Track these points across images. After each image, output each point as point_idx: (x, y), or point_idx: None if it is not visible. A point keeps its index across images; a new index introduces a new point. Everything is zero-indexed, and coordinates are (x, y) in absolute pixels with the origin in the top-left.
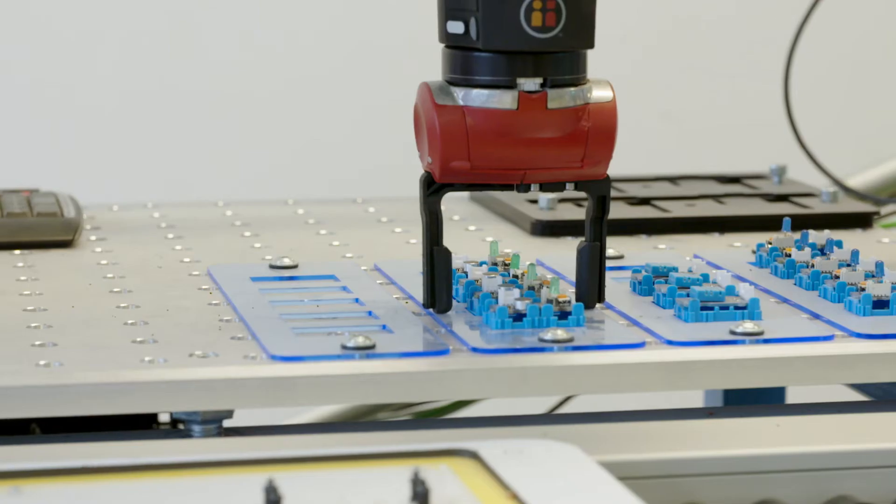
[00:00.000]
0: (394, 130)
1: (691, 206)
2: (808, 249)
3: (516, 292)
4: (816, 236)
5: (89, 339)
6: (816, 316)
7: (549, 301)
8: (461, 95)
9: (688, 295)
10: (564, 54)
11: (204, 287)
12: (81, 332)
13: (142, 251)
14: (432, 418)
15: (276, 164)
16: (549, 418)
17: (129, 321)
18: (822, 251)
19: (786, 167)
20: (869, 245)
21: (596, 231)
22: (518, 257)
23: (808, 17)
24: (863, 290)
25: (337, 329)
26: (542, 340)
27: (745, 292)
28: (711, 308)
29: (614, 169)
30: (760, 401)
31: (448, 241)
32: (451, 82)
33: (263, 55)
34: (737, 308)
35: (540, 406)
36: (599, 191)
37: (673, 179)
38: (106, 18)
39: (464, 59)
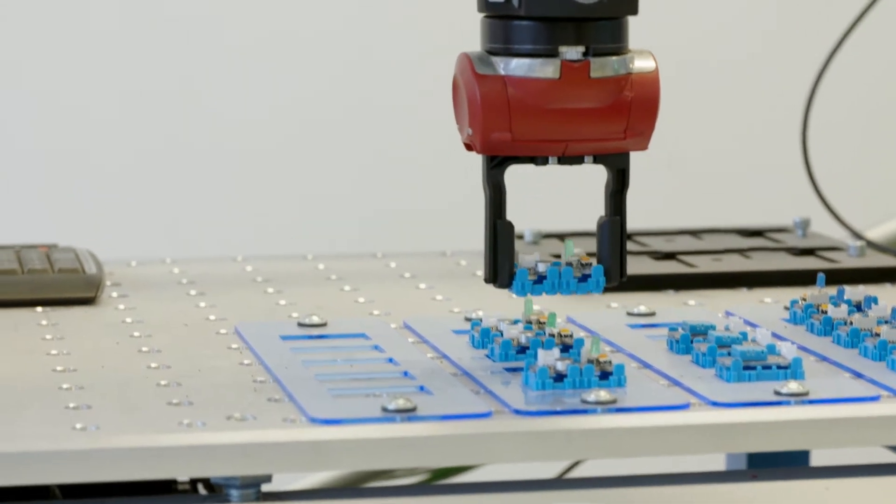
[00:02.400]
0: (399, 183)
1: (718, 261)
2: (844, 306)
3: (556, 352)
4: (852, 292)
5: (123, 401)
6: (859, 375)
7: (590, 361)
8: (502, 65)
9: (729, 354)
10: (607, 22)
11: (234, 346)
12: (114, 393)
13: (166, 308)
14: (462, 483)
15: (284, 218)
16: (584, 482)
17: (162, 382)
18: (858, 307)
19: (809, 220)
20: None
21: (616, 205)
22: (554, 316)
23: (827, 65)
24: None
25: (374, 390)
26: (584, 402)
27: (787, 351)
28: (754, 368)
29: (630, 220)
30: (785, 462)
31: (473, 296)
32: (492, 52)
33: (269, 115)
34: (779, 367)
35: (550, 469)
36: (618, 164)
37: (695, 233)
38: (119, 77)
39: (504, 28)
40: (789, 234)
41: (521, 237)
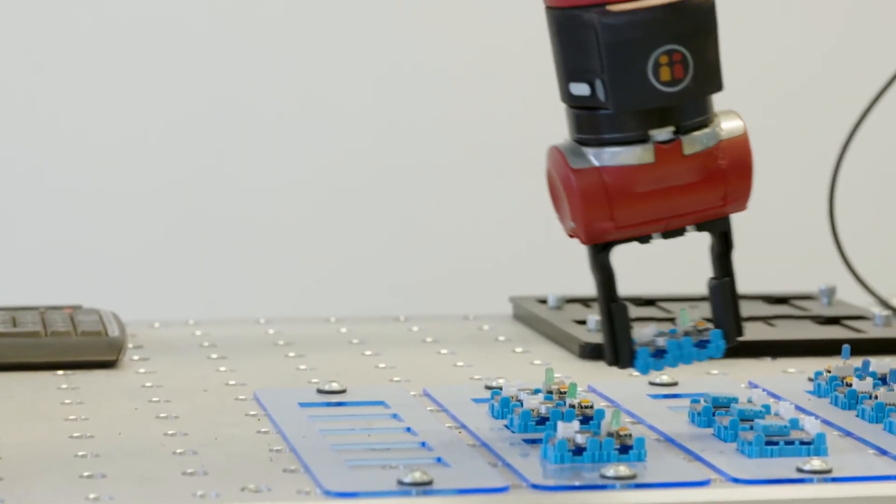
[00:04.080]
0: (425, 246)
1: None
2: (869, 379)
3: (576, 424)
4: (877, 364)
5: (139, 471)
6: (883, 452)
7: (610, 434)
8: (594, 155)
9: (751, 428)
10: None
11: (252, 413)
12: (130, 462)
13: (186, 373)
14: None
15: (309, 279)
16: None
17: (178, 450)
18: (883, 381)
19: (835, 288)
20: None
21: (724, 267)
22: (575, 386)
23: (855, 131)
24: None
25: (391, 462)
26: (603, 477)
27: (811, 427)
28: (776, 443)
29: (649, 285)
30: None
31: (495, 363)
32: (581, 142)
33: (295, 178)
34: (802, 443)
35: None
36: (720, 227)
37: None
38: (146, 139)
39: (592, 119)
40: (814, 301)
41: (543, 302)
